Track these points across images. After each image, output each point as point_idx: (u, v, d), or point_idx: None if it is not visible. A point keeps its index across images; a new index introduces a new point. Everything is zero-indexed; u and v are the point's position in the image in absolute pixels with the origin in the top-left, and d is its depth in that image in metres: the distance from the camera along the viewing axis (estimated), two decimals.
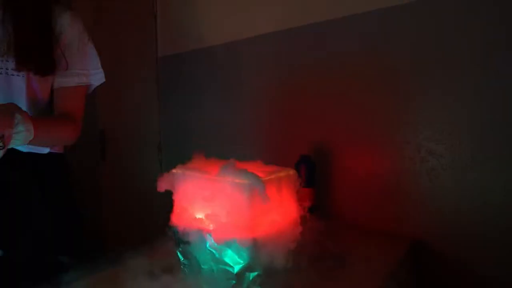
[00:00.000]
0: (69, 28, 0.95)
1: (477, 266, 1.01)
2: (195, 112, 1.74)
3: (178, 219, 0.80)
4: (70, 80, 0.96)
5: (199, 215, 0.76)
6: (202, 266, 0.76)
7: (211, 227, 0.72)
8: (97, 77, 1.03)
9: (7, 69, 0.87)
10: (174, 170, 0.83)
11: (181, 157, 1.81)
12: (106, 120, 2.20)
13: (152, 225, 1.91)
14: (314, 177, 1.18)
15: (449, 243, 1.06)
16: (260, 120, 1.49)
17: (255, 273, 0.72)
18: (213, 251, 0.73)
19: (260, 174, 0.73)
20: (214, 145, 1.66)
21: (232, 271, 0.71)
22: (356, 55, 1.21)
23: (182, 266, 0.81)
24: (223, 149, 1.62)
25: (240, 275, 0.71)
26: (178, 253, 0.82)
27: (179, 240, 0.80)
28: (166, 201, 1.98)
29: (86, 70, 0.99)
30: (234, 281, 0.71)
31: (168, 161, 1.88)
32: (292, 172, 0.82)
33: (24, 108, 0.86)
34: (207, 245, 0.74)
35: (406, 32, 1.11)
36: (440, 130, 1.06)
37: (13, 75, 0.88)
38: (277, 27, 1.41)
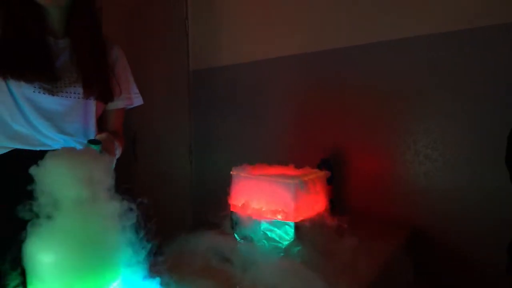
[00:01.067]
0: (119, 60, 1.16)
1: (463, 247, 1.28)
2: (223, 120, 2.00)
3: (235, 209, 1.07)
4: (120, 103, 1.16)
5: (254, 206, 1.02)
6: (257, 244, 1.02)
7: (265, 214, 0.98)
8: (138, 100, 1.24)
9: (79, 93, 1.02)
10: (232, 172, 1.08)
11: (211, 159, 2.10)
12: (138, 124, 2.45)
13: (181, 220, 2.18)
14: (333, 176, 1.44)
15: (440, 230, 1.32)
16: (283, 129, 1.75)
17: (298, 248, 0.98)
18: (266, 232, 0.99)
19: (300, 175, 0.99)
20: (241, 150, 1.92)
21: (281, 246, 0.98)
22: (367, 78, 1.47)
23: (238, 245, 1.07)
24: (249, 154, 1.88)
25: (287, 249, 0.98)
26: (235, 235, 1.08)
27: (237, 224, 1.06)
28: (195, 198, 2.24)
29: (130, 94, 1.20)
30: (282, 254, 0.98)
31: (198, 162, 2.15)
32: (322, 173, 1.08)
33: (95, 128, 1.07)
34: (261, 228, 1.00)
35: (410, 61, 1.37)
36: (434, 139, 1.32)
37: (87, 99, 1.04)
38: (298, 50, 1.67)
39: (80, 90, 1.03)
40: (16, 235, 0.61)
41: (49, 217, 0.56)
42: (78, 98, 1.04)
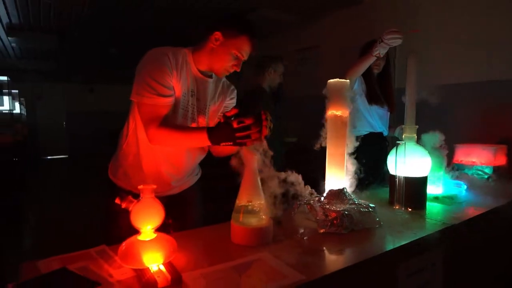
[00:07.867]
0: None
1: None
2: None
3: (461, 162, 2.39)
4: None
5: (470, 160, 2.33)
6: (471, 175, 2.32)
7: (477, 163, 2.29)
8: None
9: (387, 109, 2.50)
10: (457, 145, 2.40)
11: None
12: None
13: None
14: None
15: None
16: (466, 119, 2.97)
17: (492, 179, 2.26)
18: (478, 170, 2.30)
19: (495, 146, 2.26)
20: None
21: (485, 177, 2.27)
22: None
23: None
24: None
25: (487, 178, 2.27)
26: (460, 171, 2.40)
27: (459, 169, 2.39)
28: None
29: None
30: (484, 180, 2.27)
31: None
32: (504, 146, 2.33)
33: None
34: (474, 168, 2.31)
35: None
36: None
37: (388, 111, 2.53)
38: (472, 79, 2.85)
39: (386, 107, 2.48)
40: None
41: None
42: (387, 111, 2.49)
